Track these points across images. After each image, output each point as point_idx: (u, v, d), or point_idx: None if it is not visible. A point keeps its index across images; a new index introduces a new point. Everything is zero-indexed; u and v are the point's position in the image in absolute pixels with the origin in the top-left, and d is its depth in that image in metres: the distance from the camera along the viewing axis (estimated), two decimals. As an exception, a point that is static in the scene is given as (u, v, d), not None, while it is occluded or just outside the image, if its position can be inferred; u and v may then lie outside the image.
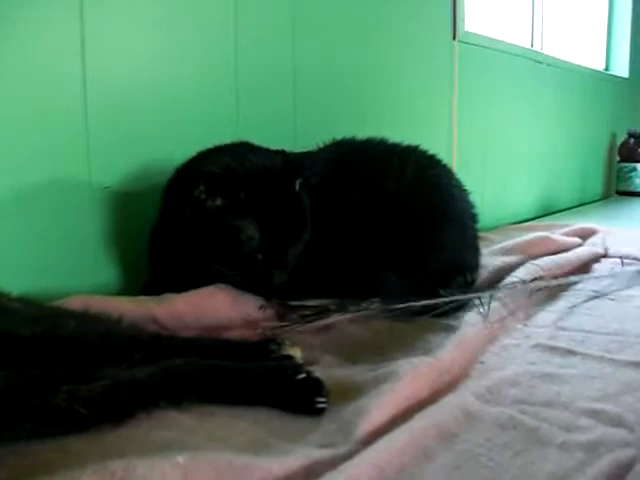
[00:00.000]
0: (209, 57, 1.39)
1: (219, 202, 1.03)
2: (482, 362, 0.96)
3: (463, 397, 0.81)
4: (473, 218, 1.33)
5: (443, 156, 1.56)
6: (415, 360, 0.85)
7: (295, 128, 1.58)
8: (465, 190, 1.34)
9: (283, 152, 1.13)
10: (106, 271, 1.23)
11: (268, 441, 0.71)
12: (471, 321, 1.05)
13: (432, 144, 1.59)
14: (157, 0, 1.28)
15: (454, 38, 2.01)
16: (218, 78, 1.41)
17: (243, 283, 1.06)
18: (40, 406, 0.69)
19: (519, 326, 1.12)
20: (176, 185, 1.10)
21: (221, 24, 1.40)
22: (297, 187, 1.08)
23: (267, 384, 0.79)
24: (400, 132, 1.57)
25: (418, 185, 1.22)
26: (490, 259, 1.42)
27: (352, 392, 0.80)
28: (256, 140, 1.20)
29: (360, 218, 1.18)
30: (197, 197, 1.03)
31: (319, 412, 0.76)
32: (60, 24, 1.13)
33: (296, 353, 0.90)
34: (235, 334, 1.03)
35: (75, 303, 0.96)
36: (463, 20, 2.03)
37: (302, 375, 0.78)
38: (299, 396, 0.77)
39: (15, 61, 1.08)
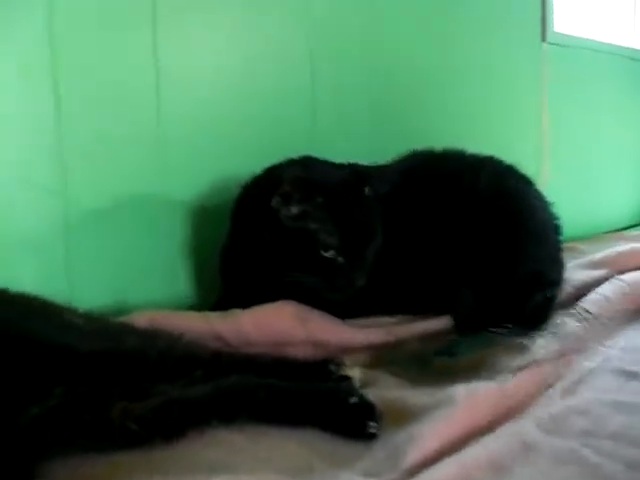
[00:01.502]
0: (285, 71, 1.41)
1: (295, 210, 1.04)
2: (552, 387, 0.90)
3: (523, 426, 0.76)
4: (555, 230, 1.26)
5: (531, 164, 1.51)
6: (474, 385, 0.81)
7: (373, 140, 1.56)
8: (546, 201, 1.27)
9: (350, 164, 1.12)
10: (182, 286, 1.27)
11: (313, 465, 0.70)
12: (544, 342, 0.99)
13: (519, 151, 1.54)
14: (232, 16, 1.30)
15: (543, 40, 1.92)
16: (294, 92, 1.42)
17: (323, 289, 1.06)
18: (94, 422, 0.71)
19: (600, 348, 1.05)
20: (246, 200, 1.11)
21: (296, 37, 1.41)
22: (367, 192, 1.09)
23: (320, 406, 0.78)
24: (484, 140, 1.54)
25: (493, 196, 1.18)
26: (575, 272, 1.34)
27: (406, 417, 0.78)
28: (332, 155, 1.20)
29: (432, 230, 1.15)
30: (273, 207, 1.04)
31: (370, 437, 0.75)
32: (135, 45, 1.17)
33: (355, 374, 0.89)
34: (299, 351, 1.02)
35: (141, 319, 0.99)
36: (552, 21, 1.94)
37: (354, 399, 0.76)
38: (350, 420, 0.76)
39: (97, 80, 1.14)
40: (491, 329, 1.07)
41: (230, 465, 0.70)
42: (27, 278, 1.09)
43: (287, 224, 1.04)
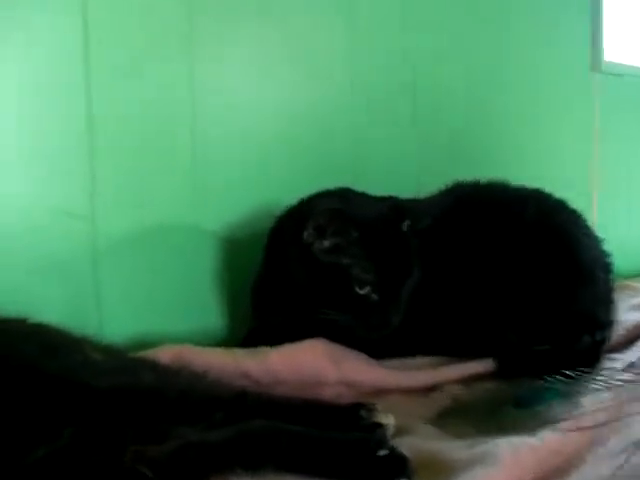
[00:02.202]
0: (321, 97, 1.37)
1: (327, 244, 1.00)
2: (604, 444, 0.82)
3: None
4: (606, 268, 1.19)
5: (581, 198, 1.44)
6: (516, 440, 0.74)
7: (418, 172, 1.51)
8: (597, 237, 1.20)
9: (390, 197, 1.08)
10: (213, 318, 1.23)
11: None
12: (592, 388, 0.91)
13: (569, 184, 1.47)
14: (267, 43, 1.28)
15: (593, 69, 1.85)
16: (331, 120, 1.38)
17: (356, 328, 1.02)
18: (104, 465, 0.67)
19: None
20: (280, 232, 1.08)
21: (334, 63, 1.38)
22: (404, 228, 1.04)
23: (347, 458, 0.72)
24: (533, 172, 1.48)
25: (539, 232, 1.11)
26: (628, 314, 1.26)
27: (442, 473, 0.71)
28: (377, 188, 1.15)
29: (473, 267, 1.09)
30: (305, 240, 1.01)
31: (401, 495, 0.68)
32: (171, 76, 1.16)
33: (388, 420, 0.83)
34: (330, 392, 0.97)
35: (166, 353, 0.95)
36: (602, 50, 1.87)
37: (385, 451, 0.70)
38: (379, 475, 0.69)
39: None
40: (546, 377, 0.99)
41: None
42: (56, 305, 1.06)
43: (320, 258, 0.99)
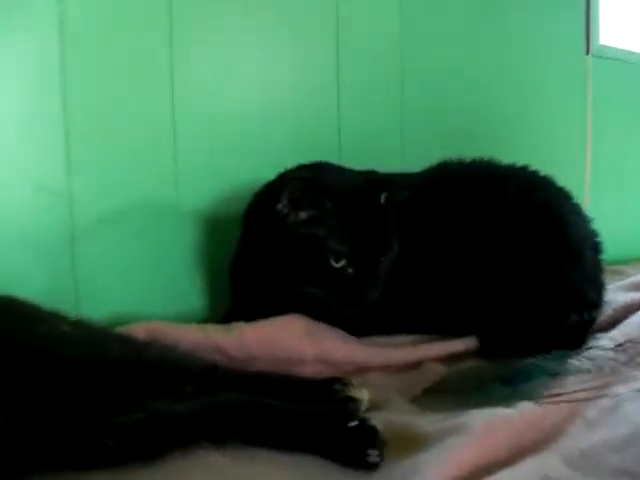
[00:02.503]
0: (309, 73, 1.35)
1: (303, 216, 0.98)
2: (583, 418, 0.80)
3: (547, 461, 0.67)
4: (595, 248, 1.16)
5: (574, 179, 1.41)
6: (491, 411, 0.72)
7: (403, 151, 1.48)
8: (585, 216, 1.17)
9: (368, 170, 1.05)
10: (193, 298, 1.21)
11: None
12: (577, 367, 0.89)
13: (561, 166, 1.44)
14: (250, 18, 1.26)
15: (587, 53, 1.82)
16: (318, 95, 1.36)
17: (332, 303, 0.99)
18: (67, 437, 0.65)
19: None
20: (255, 207, 1.05)
21: (323, 39, 1.35)
22: (382, 200, 1.01)
23: (316, 430, 0.70)
24: (527, 152, 1.46)
25: (523, 207, 1.09)
26: (616, 295, 1.23)
27: (413, 445, 0.69)
28: (360, 164, 1.13)
29: (455, 243, 1.07)
30: (279, 212, 0.98)
31: (370, 467, 0.66)
32: (150, 57, 1.14)
33: (363, 395, 0.81)
34: (309, 370, 0.95)
35: (139, 329, 0.93)
36: (598, 34, 1.84)
37: (354, 423, 0.68)
38: (349, 447, 0.67)
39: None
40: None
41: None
42: (33, 281, 1.04)
43: (295, 231, 0.97)
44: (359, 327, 1.03)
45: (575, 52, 1.84)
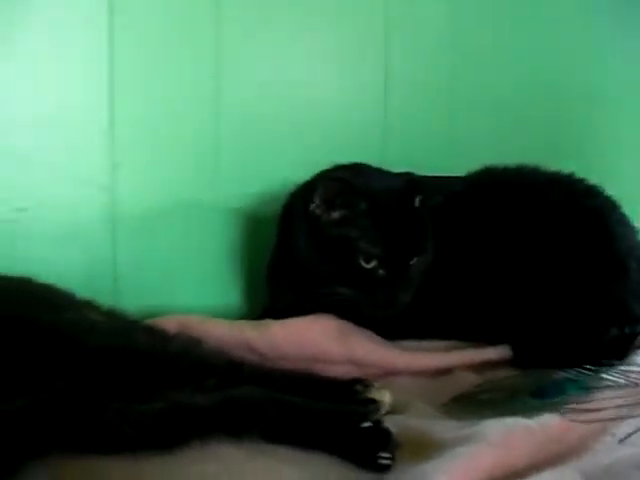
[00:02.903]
0: (356, 76, 1.34)
1: (336, 216, 0.98)
2: (613, 434, 0.77)
3: (566, 476, 0.65)
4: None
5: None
6: (511, 421, 0.70)
7: (450, 153, 1.45)
8: (632, 227, 1.13)
9: (406, 173, 1.05)
10: (231, 295, 1.23)
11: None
12: (612, 382, 0.85)
13: (626, 175, 1.49)
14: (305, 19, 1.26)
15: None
16: (365, 98, 1.35)
17: (363, 304, 0.98)
18: (86, 421, 0.67)
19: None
20: (290, 207, 1.06)
21: (371, 41, 1.34)
22: (417, 203, 1.00)
23: (330, 429, 0.70)
24: (587, 161, 1.39)
25: (565, 216, 1.05)
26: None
27: (427, 450, 0.68)
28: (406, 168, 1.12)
29: (494, 250, 1.05)
30: (312, 213, 0.99)
31: (382, 469, 0.66)
32: (196, 51, 1.15)
33: (384, 397, 0.81)
34: (338, 370, 0.94)
35: (170, 323, 0.95)
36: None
37: (367, 424, 0.68)
38: (361, 447, 0.67)
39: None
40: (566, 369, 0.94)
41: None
42: (74, 274, 1.07)
43: (327, 231, 0.97)
44: (392, 330, 1.02)
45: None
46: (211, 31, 1.16)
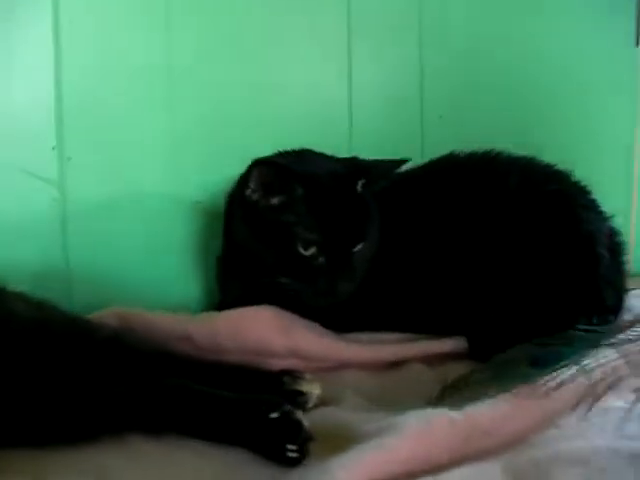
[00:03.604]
0: (318, 64, 1.31)
1: (275, 201, 0.94)
2: (558, 427, 0.72)
3: (486, 472, 0.60)
4: (612, 247, 1.06)
5: (621, 174, 1.46)
6: (431, 413, 0.65)
7: (423, 146, 1.41)
8: (602, 213, 1.07)
9: (351, 158, 1.01)
10: (188, 288, 1.19)
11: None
12: (560, 372, 0.80)
13: (607, 161, 1.47)
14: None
15: (637, 45, 1.69)
16: (329, 89, 1.31)
17: (303, 294, 0.94)
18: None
19: (642, 386, 0.84)
20: (231, 194, 1.03)
21: (334, 30, 1.30)
22: (359, 188, 0.96)
23: (238, 420, 0.66)
24: (566, 147, 1.39)
25: (524, 201, 1.00)
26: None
27: (343, 443, 0.63)
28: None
29: (446, 237, 1.00)
30: (248, 198, 0.95)
31: (289, 462, 0.62)
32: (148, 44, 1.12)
33: (313, 389, 0.77)
34: (281, 364, 0.90)
35: (110, 316, 0.93)
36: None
37: (275, 414, 0.64)
38: (268, 438, 0.63)
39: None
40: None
41: (114, 477, 0.60)
42: (24, 267, 1.05)
43: (265, 217, 0.94)
44: (343, 322, 0.98)
45: (625, 44, 1.71)
46: (163, 20, 1.13)
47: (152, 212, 1.16)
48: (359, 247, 0.94)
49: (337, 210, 0.93)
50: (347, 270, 0.92)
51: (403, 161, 0.99)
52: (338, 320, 0.97)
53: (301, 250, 0.91)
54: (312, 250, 0.91)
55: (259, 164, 0.91)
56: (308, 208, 0.92)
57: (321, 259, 0.92)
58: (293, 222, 0.92)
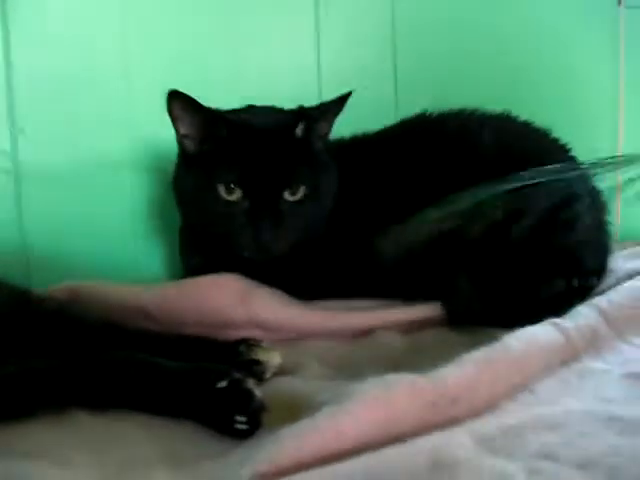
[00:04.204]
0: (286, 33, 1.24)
1: (205, 147, 0.90)
2: (531, 390, 0.68)
3: (455, 440, 0.55)
4: (593, 207, 1.01)
5: (606, 135, 1.41)
6: (393, 379, 0.60)
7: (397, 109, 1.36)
8: (584, 172, 1.02)
9: (299, 106, 0.96)
10: (153, 261, 1.15)
11: (152, 463, 0.54)
12: (534, 333, 0.75)
13: (592, 122, 1.44)
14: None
15: (619, 4, 1.64)
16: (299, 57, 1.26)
17: (233, 246, 0.89)
18: None
19: (622, 346, 0.80)
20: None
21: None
22: (299, 132, 0.90)
23: (185, 391, 0.60)
24: (550, 109, 1.32)
25: (500, 159, 0.95)
26: (628, 262, 1.08)
27: (295, 413, 0.58)
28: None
29: (416, 195, 0.94)
30: (187, 149, 0.91)
31: (240, 434, 0.57)
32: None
33: (272, 358, 0.72)
34: (243, 335, 0.85)
35: (61, 290, 0.88)
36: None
37: (223, 383, 0.58)
38: (216, 409, 0.58)
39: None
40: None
41: (50, 455, 0.55)
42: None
43: (198, 166, 0.89)
44: (309, 289, 0.92)
45: (606, 3, 1.66)
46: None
47: (110, 182, 1.09)
48: (295, 194, 0.88)
49: (263, 152, 0.87)
50: (273, 216, 0.86)
51: (346, 96, 0.93)
52: (303, 287, 0.91)
53: (223, 194, 0.86)
54: (237, 195, 0.86)
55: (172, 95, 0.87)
56: (230, 148, 0.86)
57: (245, 204, 0.86)
58: (216, 164, 0.87)
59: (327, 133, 0.96)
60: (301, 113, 0.92)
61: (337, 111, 0.93)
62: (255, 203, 0.86)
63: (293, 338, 0.88)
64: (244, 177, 0.85)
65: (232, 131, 0.87)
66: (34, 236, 1.06)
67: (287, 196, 0.88)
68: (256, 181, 0.86)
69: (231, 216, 0.86)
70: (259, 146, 0.87)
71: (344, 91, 1.21)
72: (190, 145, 0.90)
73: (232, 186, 0.86)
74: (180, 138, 0.90)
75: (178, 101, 0.87)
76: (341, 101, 0.93)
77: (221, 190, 0.86)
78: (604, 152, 1.55)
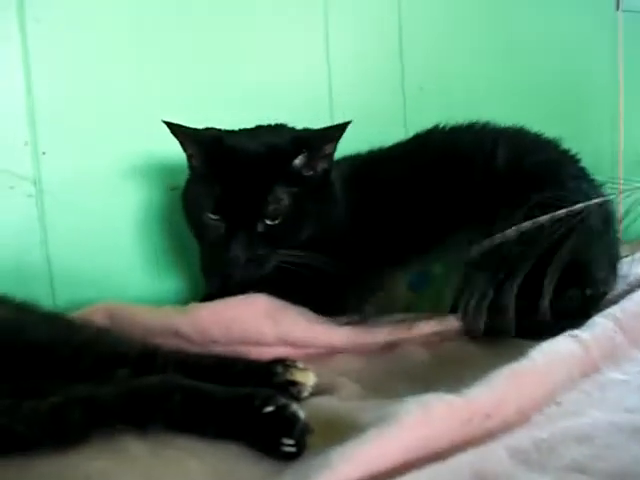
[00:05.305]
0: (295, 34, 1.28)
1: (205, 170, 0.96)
2: (558, 403, 0.71)
3: (488, 454, 0.59)
4: (604, 218, 1.04)
5: (606, 148, 1.45)
6: (429, 398, 0.63)
7: (405, 120, 1.39)
8: (591, 182, 1.06)
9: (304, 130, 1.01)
10: (170, 280, 1.16)
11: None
12: (556, 346, 0.79)
13: (591, 126, 1.47)
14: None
15: (617, 8, 1.68)
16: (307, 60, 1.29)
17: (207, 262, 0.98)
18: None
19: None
20: None
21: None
22: (298, 162, 0.95)
23: (232, 416, 0.64)
24: (550, 115, 1.36)
25: (514, 174, 0.98)
26: (636, 267, 1.11)
27: (339, 435, 0.61)
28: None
29: (429, 209, 0.98)
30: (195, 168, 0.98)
31: (285, 456, 0.60)
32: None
33: (307, 379, 0.74)
34: (272, 352, 0.88)
35: (97, 312, 0.90)
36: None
37: (270, 408, 0.61)
38: (263, 433, 0.61)
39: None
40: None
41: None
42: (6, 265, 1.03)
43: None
44: (331, 306, 0.95)
45: (605, 7, 1.69)
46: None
47: (130, 201, 1.12)
48: (274, 219, 0.92)
49: (240, 178, 0.91)
50: (242, 235, 0.90)
51: (346, 124, 0.96)
52: (331, 303, 0.94)
53: (208, 215, 0.92)
54: (218, 216, 0.91)
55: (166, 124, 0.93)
56: (210, 172, 0.93)
57: (222, 227, 0.92)
58: (201, 190, 0.94)
59: (331, 153, 0.99)
60: (301, 141, 0.96)
61: (338, 137, 0.97)
62: (228, 223, 0.91)
63: (321, 353, 0.91)
64: (220, 204, 0.91)
65: (209, 153, 0.93)
66: (58, 257, 1.08)
67: (266, 220, 0.92)
68: (230, 204, 0.91)
69: (214, 237, 0.92)
70: (238, 172, 0.91)
71: (354, 104, 1.27)
72: (193, 162, 0.97)
73: (209, 209, 0.92)
74: (187, 156, 0.97)
75: (171, 129, 0.94)
76: (341, 128, 0.96)
77: (205, 213, 0.93)
78: (604, 154, 1.61)
